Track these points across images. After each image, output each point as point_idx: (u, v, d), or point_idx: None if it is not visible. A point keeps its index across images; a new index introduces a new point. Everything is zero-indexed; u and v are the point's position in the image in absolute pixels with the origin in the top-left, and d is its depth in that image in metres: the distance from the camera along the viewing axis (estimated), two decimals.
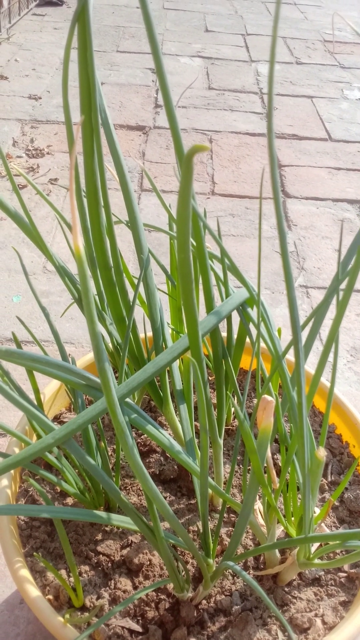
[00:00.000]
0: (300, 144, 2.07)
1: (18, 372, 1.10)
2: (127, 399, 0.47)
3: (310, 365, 1.15)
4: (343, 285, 0.42)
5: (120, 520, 0.50)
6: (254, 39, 3.08)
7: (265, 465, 0.47)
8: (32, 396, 0.81)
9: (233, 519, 0.62)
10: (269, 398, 0.41)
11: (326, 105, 2.38)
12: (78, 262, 0.31)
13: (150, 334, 0.74)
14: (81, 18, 0.41)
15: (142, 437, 0.71)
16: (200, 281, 0.54)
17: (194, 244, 0.49)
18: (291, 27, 3.35)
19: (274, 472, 0.46)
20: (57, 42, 2.81)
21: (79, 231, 0.30)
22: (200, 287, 0.55)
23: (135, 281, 0.67)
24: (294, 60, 2.84)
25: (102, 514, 0.49)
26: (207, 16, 3.42)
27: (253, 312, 0.54)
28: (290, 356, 0.75)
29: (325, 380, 0.73)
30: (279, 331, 0.59)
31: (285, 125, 2.18)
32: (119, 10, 3.38)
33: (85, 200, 0.51)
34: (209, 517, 0.63)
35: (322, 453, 0.38)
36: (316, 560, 0.49)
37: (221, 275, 0.56)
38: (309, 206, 1.73)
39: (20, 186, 1.71)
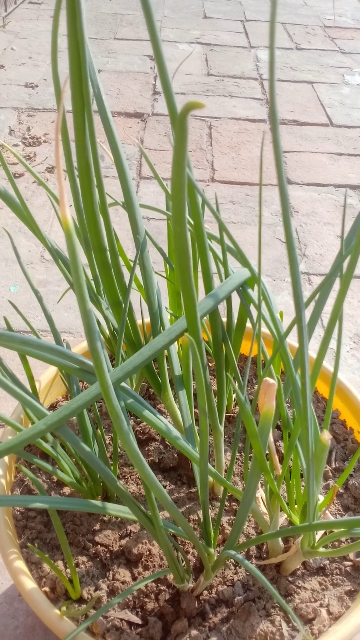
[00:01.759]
0: (301, 129, 2.04)
1: (15, 363, 1.09)
2: (124, 384, 0.46)
3: (311, 352, 1.13)
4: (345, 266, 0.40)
5: (117, 509, 0.48)
6: (253, 25, 3.04)
7: (267, 451, 0.45)
8: (27, 385, 0.79)
9: (235, 507, 0.61)
10: (271, 381, 0.39)
11: (327, 90, 2.34)
12: (66, 234, 0.29)
13: (148, 320, 0.73)
14: None
15: (141, 424, 0.69)
16: (199, 263, 0.52)
17: (192, 222, 0.47)
18: (290, 12, 3.30)
19: (276, 457, 0.44)
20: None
21: (66, 202, 0.28)
22: (199, 269, 0.53)
23: (132, 264, 0.65)
24: (294, 46, 2.80)
25: (98, 503, 0.48)
26: (205, 2, 3.38)
27: (254, 294, 0.52)
28: (292, 341, 0.73)
29: (328, 365, 0.71)
30: (281, 314, 0.57)
31: (285, 111, 2.15)
32: None
33: (78, 181, 0.49)
34: (210, 506, 0.61)
35: (326, 436, 0.36)
36: (321, 549, 0.47)
37: (220, 256, 0.54)
38: (310, 192, 1.70)
39: (16, 175, 1.68)
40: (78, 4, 0.41)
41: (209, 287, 0.51)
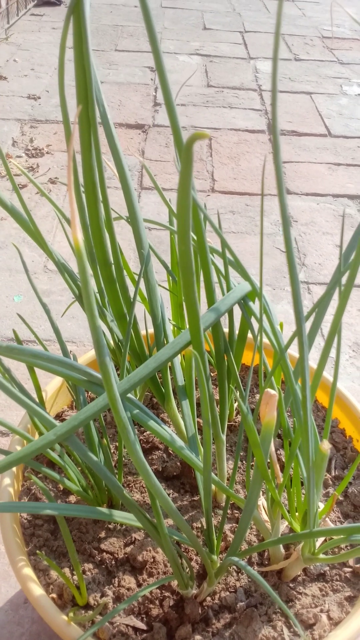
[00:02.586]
0: (299, 140, 2.06)
1: (20, 372, 1.10)
2: (129, 395, 0.47)
3: (312, 362, 1.14)
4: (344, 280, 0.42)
5: (123, 516, 0.50)
6: (252, 36, 3.07)
7: (268, 460, 0.46)
8: (34, 395, 0.80)
9: (237, 515, 0.62)
10: (272, 391, 0.40)
11: (325, 101, 2.37)
12: (77, 255, 0.31)
13: (151, 330, 0.74)
14: (76, 10, 0.41)
15: (144, 434, 0.70)
16: (202, 276, 0.53)
17: (195, 237, 0.48)
18: (289, 23, 3.34)
19: (277, 466, 0.46)
20: (55, 42, 2.81)
21: (78, 224, 0.29)
22: (201, 282, 0.55)
23: (136, 277, 0.67)
24: (292, 57, 2.83)
25: (104, 510, 0.49)
26: (205, 14, 3.42)
27: (255, 307, 0.54)
28: (292, 351, 0.75)
29: (327, 374, 0.72)
30: (281, 325, 0.59)
31: (284, 121, 2.17)
32: (116, 9, 3.38)
33: (83, 196, 0.51)
34: (213, 514, 0.62)
35: (326, 446, 0.38)
36: (321, 555, 0.48)
37: (222, 269, 0.55)
38: (309, 202, 1.72)
39: (20, 185, 1.70)
40: (85, 30, 0.42)
41: (211, 300, 0.53)
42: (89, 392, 0.73)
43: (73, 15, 0.41)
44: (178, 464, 0.66)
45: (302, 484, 0.55)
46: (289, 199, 1.73)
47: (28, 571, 0.52)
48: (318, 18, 3.48)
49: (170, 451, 0.68)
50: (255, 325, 0.76)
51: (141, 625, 0.52)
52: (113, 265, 0.53)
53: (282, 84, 2.50)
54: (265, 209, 1.67)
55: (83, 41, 0.42)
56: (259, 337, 0.45)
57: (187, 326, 0.47)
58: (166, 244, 1.50)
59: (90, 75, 0.43)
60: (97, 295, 0.61)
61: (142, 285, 0.72)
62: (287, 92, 2.43)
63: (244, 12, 3.50)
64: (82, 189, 0.53)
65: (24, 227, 0.57)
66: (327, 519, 0.53)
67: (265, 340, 0.76)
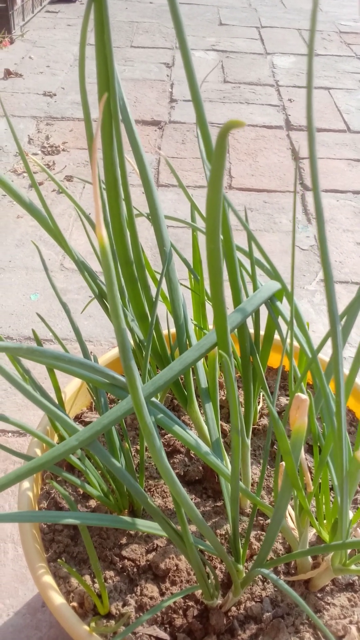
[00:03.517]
0: (318, 136, 2.03)
1: (37, 371, 1.09)
2: (152, 399, 0.45)
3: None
4: None
5: (147, 526, 0.48)
6: (268, 32, 3.04)
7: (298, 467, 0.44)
8: (52, 394, 0.79)
9: (261, 521, 0.60)
10: (303, 396, 0.38)
11: (344, 96, 2.33)
12: (102, 254, 0.29)
13: (172, 330, 0.72)
14: (98, 5, 0.39)
15: (165, 436, 0.69)
16: (226, 276, 0.51)
17: (221, 236, 0.46)
18: (306, 18, 3.30)
19: (308, 475, 0.44)
20: (70, 38, 2.80)
21: (102, 222, 0.28)
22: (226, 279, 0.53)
23: (157, 276, 0.65)
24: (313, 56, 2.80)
25: (128, 519, 0.47)
26: (220, 10, 3.39)
27: (282, 306, 0.52)
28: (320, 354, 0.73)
29: (359, 380, 0.70)
30: (307, 325, 0.57)
31: (302, 117, 2.14)
32: (132, 5, 3.36)
33: (104, 192, 0.49)
34: None
35: None
36: (353, 566, 0.46)
37: (248, 268, 0.53)
38: (328, 199, 1.70)
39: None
40: (106, 19, 0.41)
41: (237, 299, 0.51)
42: (109, 394, 0.72)
43: (94, 5, 0.39)
44: (200, 468, 0.65)
45: (330, 489, 0.53)
46: (308, 195, 1.70)
47: (48, 579, 0.51)
48: (335, 13, 3.43)
49: (192, 454, 0.67)
50: (282, 325, 0.73)
51: (164, 636, 0.51)
52: (134, 264, 0.51)
53: (299, 80, 2.47)
54: (283, 206, 1.65)
55: (105, 31, 0.40)
56: (288, 341, 0.43)
57: (212, 327, 0.45)
58: (183, 241, 1.48)
59: (112, 67, 0.41)
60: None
61: (163, 284, 0.70)
62: (305, 88, 2.39)
63: (260, 8, 3.47)
64: (102, 185, 0.51)
65: (44, 224, 0.56)
66: (358, 528, 0.51)
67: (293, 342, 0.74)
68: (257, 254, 0.57)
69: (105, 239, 0.28)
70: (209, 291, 0.53)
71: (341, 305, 1.32)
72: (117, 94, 0.46)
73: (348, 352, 1.19)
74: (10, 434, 1.01)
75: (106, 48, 0.41)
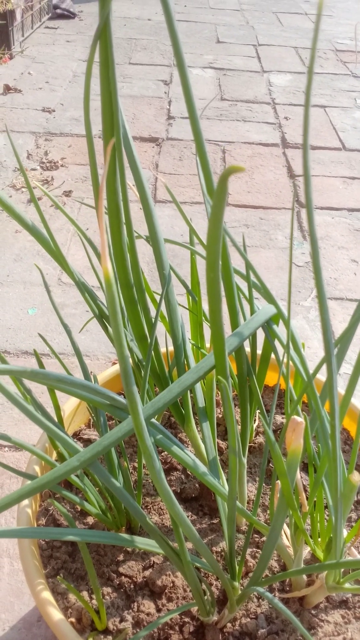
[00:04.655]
0: (313, 153, 2.06)
1: (34, 385, 1.10)
2: (152, 419, 0.47)
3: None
4: None
5: (145, 543, 0.49)
6: (265, 50, 3.09)
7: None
8: (50, 410, 0.80)
9: (257, 539, 0.61)
10: (299, 419, 0.40)
11: (339, 114, 2.37)
12: (107, 286, 0.30)
13: (170, 348, 0.74)
14: (103, 35, 0.41)
15: (162, 454, 0.70)
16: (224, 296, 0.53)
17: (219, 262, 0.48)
18: (303, 37, 3.35)
19: (303, 495, 0.45)
20: (69, 54, 2.83)
21: (108, 255, 0.29)
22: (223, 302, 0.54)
23: (156, 297, 0.67)
24: (305, 70, 2.84)
25: (126, 536, 0.48)
26: (218, 27, 3.44)
27: (278, 330, 0.53)
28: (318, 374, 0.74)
29: (354, 400, 0.71)
30: (303, 346, 0.58)
31: (298, 135, 2.17)
32: (130, 22, 3.41)
33: (106, 216, 0.50)
34: None
35: (356, 478, 0.37)
36: (346, 585, 0.47)
37: (245, 292, 0.55)
38: (324, 216, 1.72)
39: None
40: (110, 49, 0.42)
41: (235, 322, 0.52)
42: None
43: (100, 36, 0.40)
44: (197, 485, 0.66)
45: (325, 507, 0.54)
46: (303, 212, 1.72)
47: (47, 595, 0.52)
48: (331, 31, 3.49)
49: (189, 472, 0.68)
50: (279, 345, 0.75)
51: None
52: (134, 287, 0.53)
53: (295, 98, 2.51)
54: (279, 223, 1.67)
55: (109, 61, 0.42)
56: (284, 363, 0.45)
57: (210, 349, 0.46)
58: (180, 257, 1.50)
59: (116, 99, 0.43)
60: None
61: (162, 306, 0.72)
62: (301, 106, 2.43)
63: (257, 25, 3.52)
64: (104, 210, 0.53)
65: (44, 245, 0.57)
66: (352, 547, 0.52)
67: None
68: (254, 276, 0.58)
69: (111, 272, 0.29)
70: (206, 311, 0.55)
71: (335, 322, 1.34)
72: (120, 122, 0.47)
73: (344, 369, 1.21)
74: (6, 449, 1.02)
75: (111, 87, 0.42)
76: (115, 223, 0.48)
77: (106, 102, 0.39)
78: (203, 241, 0.58)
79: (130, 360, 0.61)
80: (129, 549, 0.59)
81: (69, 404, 0.70)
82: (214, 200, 0.29)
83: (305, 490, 0.63)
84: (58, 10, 3.39)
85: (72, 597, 0.55)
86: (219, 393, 0.72)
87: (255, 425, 0.72)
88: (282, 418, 0.73)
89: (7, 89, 2.39)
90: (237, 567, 0.50)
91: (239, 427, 0.61)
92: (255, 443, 0.71)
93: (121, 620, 0.54)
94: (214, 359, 0.46)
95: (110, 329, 0.63)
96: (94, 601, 0.55)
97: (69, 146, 2.00)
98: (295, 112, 2.37)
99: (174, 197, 0.63)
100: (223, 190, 0.28)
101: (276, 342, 0.61)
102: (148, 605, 0.55)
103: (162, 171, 1.89)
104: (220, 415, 0.74)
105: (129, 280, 0.52)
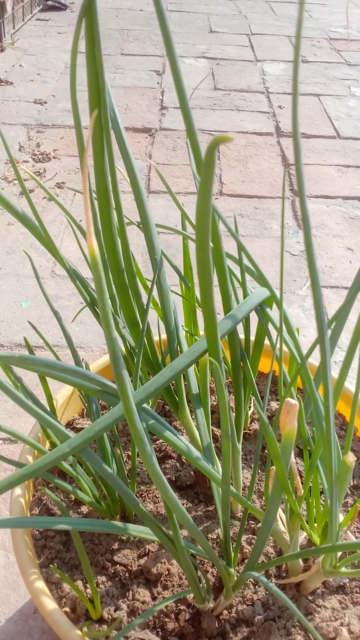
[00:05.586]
0: (308, 142, 2.05)
1: (28, 377, 1.09)
2: (144, 405, 0.46)
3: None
4: None
5: (139, 530, 0.48)
6: (258, 39, 3.07)
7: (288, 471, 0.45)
8: (43, 401, 0.79)
9: (252, 525, 0.61)
10: (293, 401, 0.39)
11: (333, 102, 2.36)
12: (93, 264, 0.30)
13: (163, 336, 0.73)
14: (88, 13, 0.40)
15: (157, 442, 0.69)
16: (216, 282, 0.52)
17: (211, 244, 0.47)
18: (296, 25, 3.33)
19: (298, 479, 0.44)
20: (61, 46, 2.81)
21: (93, 233, 0.28)
22: (216, 287, 0.53)
23: (148, 284, 0.66)
24: (299, 59, 2.82)
25: (119, 524, 0.48)
26: (211, 17, 3.41)
27: (271, 313, 0.52)
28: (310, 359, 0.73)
29: (348, 384, 0.71)
30: (297, 331, 0.57)
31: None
32: (122, 13, 3.38)
33: (95, 202, 0.50)
34: None
35: (350, 459, 0.36)
36: (343, 569, 0.47)
37: (238, 275, 0.54)
38: (318, 204, 1.71)
39: (27, 190, 1.70)
40: (97, 32, 0.41)
41: (227, 306, 0.52)
42: (100, 400, 0.72)
43: (85, 19, 0.39)
44: (192, 473, 0.65)
45: (321, 493, 0.54)
46: (298, 201, 1.71)
47: (40, 584, 0.51)
48: (325, 20, 3.47)
49: (184, 460, 0.67)
50: (272, 331, 0.74)
51: None
52: (125, 272, 0.52)
53: (289, 86, 2.49)
54: (274, 212, 1.66)
55: (96, 44, 0.41)
56: (278, 347, 0.44)
57: (203, 333, 0.46)
58: (174, 247, 1.49)
59: (103, 78, 0.42)
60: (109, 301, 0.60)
61: (154, 292, 0.71)
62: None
63: (250, 15, 3.49)
64: (93, 194, 0.52)
65: (35, 233, 0.56)
66: (348, 531, 0.51)
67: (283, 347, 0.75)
68: (247, 259, 0.57)
69: (96, 250, 0.28)
70: (199, 298, 0.54)
71: (331, 310, 1.33)
72: (108, 104, 0.46)
73: (339, 357, 1.20)
74: (1, 441, 1.01)
75: (97, 62, 0.41)
76: (105, 206, 0.48)
77: (92, 74, 0.38)
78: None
79: (121, 342, 0.60)
80: (123, 538, 0.59)
81: (62, 393, 0.69)
82: (202, 172, 0.28)
83: (301, 476, 0.63)
84: (49, 2, 3.36)
85: (66, 587, 0.54)
86: (213, 380, 0.71)
87: (250, 412, 0.71)
88: (277, 404, 0.72)
89: None
90: (232, 553, 0.50)
91: (234, 414, 0.61)
92: (250, 430, 0.70)
93: (116, 609, 0.53)
94: (206, 343, 0.45)
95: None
96: (89, 590, 0.54)
97: (61, 138, 1.98)
98: (289, 100, 2.35)
99: (167, 184, 0.62)
100: (211, 162, 0.27)
101: (270, 327, 0.60)
102: (143, 594, 0.54)
103: (156, 161, 1.88)
104: (215, 403, 0.73)
105: (119, 265, 0.52)
